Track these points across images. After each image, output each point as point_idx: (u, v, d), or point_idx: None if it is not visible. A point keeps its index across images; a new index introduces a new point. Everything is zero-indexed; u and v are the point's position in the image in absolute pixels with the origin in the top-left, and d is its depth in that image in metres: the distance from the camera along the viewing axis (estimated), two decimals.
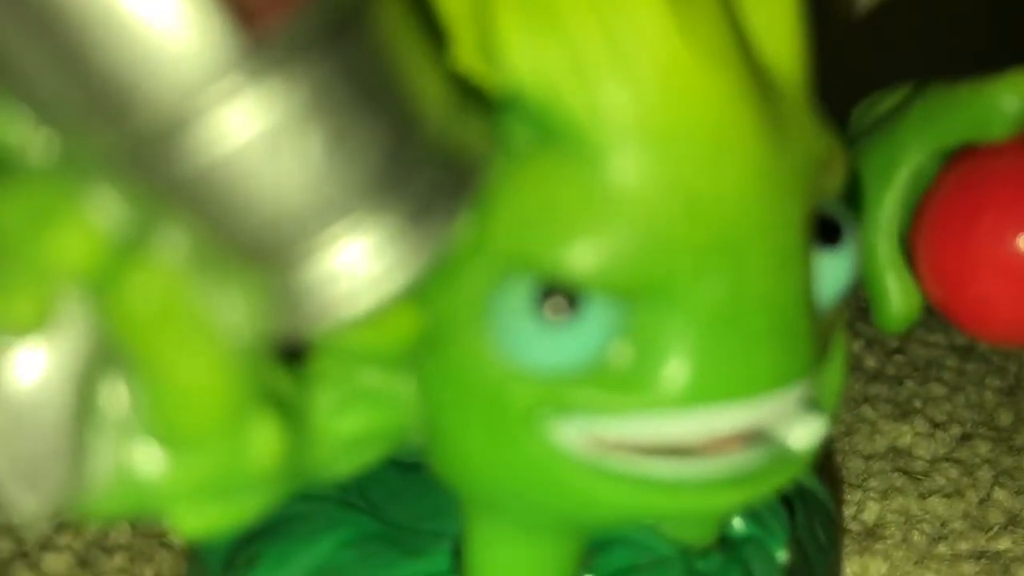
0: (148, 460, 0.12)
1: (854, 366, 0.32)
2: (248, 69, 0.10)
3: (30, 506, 0.12)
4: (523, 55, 0.13)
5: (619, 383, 0.14)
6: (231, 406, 0.12)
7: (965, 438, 0.29)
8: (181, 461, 0.12)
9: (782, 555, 0.19)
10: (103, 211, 0.11)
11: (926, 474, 0.28)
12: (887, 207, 0.18)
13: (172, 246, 0.11)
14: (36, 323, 0.11)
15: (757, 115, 0.13)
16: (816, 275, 0.15)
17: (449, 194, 0.12)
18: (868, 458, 0.28)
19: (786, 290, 0.14)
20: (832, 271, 0.15)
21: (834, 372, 0.16)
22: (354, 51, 0.11)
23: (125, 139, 0.10)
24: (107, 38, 0.09)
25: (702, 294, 0.13)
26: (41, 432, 0.11)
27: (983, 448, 0.29)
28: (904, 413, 0.30)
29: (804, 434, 0.15)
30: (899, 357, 0.32)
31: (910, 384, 0.31)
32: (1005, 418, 0.30)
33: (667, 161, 0.13)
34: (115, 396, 0.12)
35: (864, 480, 0.27)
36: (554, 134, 0.13)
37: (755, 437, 0.15)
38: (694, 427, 0.14)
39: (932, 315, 0.19)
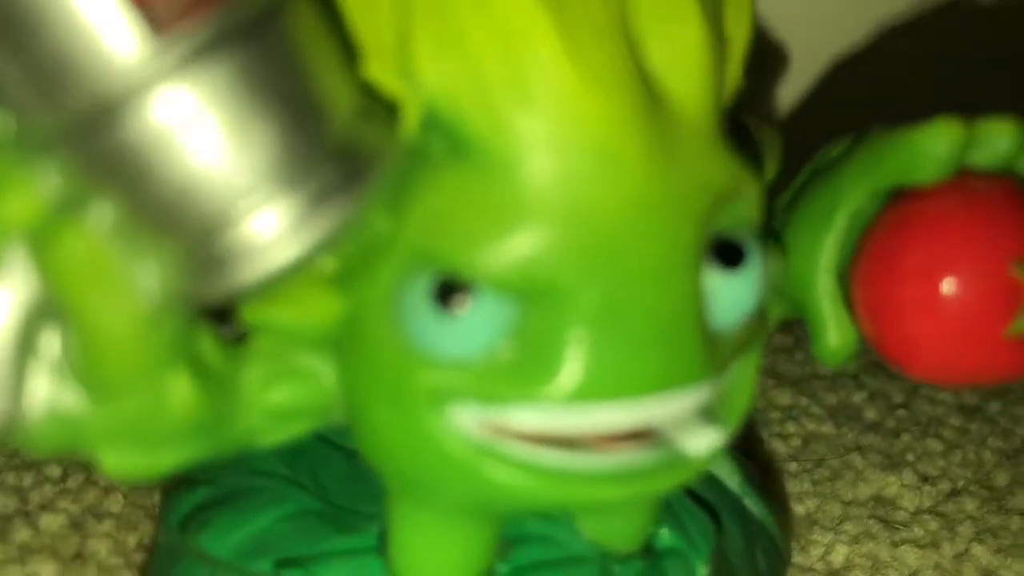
0: (76, 402, 0.14)
1: (851, 416, 0.32)
2: (156, 67, 0.12)
3: None
4: (435, 77, 0.14)
5: (510, 376, 0.15)
6: (146, 359, 0.14)
7: (954, 493, 0.29)
8: (102, 405, 0.14)
9: (703, 570, 0.20)
10: (43, 181, 0.13)
11: (905, 524, 0.28)
12: (826, 246, 0.19)
13: (99, 214, 0.13)
14: None
15: (643, 138, 0.15)
16: (714, 294, 0.16)
17: (347, 185, 0.13)
18: (847, 504, 0.28)
19: (669, 301, 0.15)
20: (733, 292, 0.16)
21: (740, 390, 0.17)
22: (257, 55, 0.12)
23: (57, 122, 0.12)
24: (36, 36, 0.11)
25: (586, 299, 0.15)
26: None
27: (970, 505, 0.29)
28: (894, 464, 0.30)
29: (698, 442, 0.16)
30: (901, 411, 0.32)
31: (906, 438, 0.31)
32: (1001, 479, 0.30)
33: (556, 176, 0.14)
34: (52, 343, 0.14)
35: (838, 524, 0.27)
36: (461, 147, 0.15)
37: (649, 439, 0.16)
38: (578, 421, 0.15)
39: None
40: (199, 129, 0.12)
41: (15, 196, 0.13)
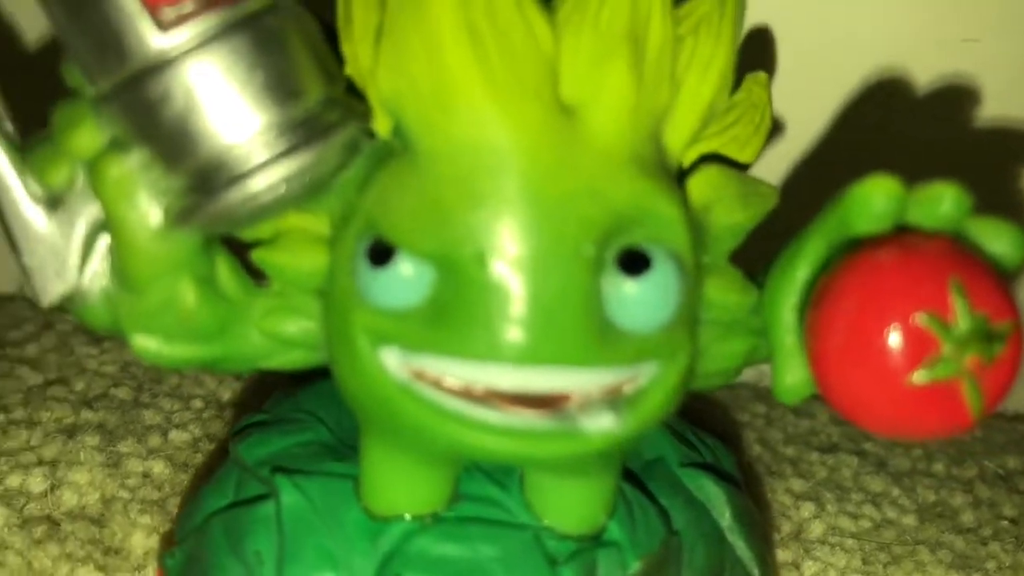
0: (115, 291, 0.19)
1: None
2: (165, 51, 0.17)
3: (55, 291, 0.19)
4: (388, 89, 0.19)
5: (424, 329, 0.19)
6: (158, 264, 0.19)
7: None
8: (129, 296, 0.19)
9: (635, 567, 0.21)
10: (101, 125, 0.18)
11: None
12: (787, 291, 0.21)
13: (130, 154, 0.18)
14: (67, 180, 0.19)
15: (540, 149, 0.18)
16: (617, 296, 0.19)
17: (305, 146, 0.18)
18: None
19: (557, 288, 0.18)
20: (636, 297, 0.19)
21: (655, 391, 0.19)
22: (245, 47, 0.17)
23: (107, 84, 0.18)
24: (91, 24, 0.17)
25: (483, 274, 0.18)
26: (66, 247, 0.19)
27: None
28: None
29: (593, 422, 0.19)
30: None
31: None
32: None
33: (462, 170, 0.18)
34: (104, 243, 0.19)
35: None
36: (404, 143, 0.19)
37: (552, 409, 0.19)
38: (473, 376, 0.18)
39: None
40: (201, 93, 0.17)
41: (83, 133, 0.18)
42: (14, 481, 0.27)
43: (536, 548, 0.21)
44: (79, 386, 0.31)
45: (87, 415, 0.30)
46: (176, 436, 0.29)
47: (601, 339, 0.19)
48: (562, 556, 0.21)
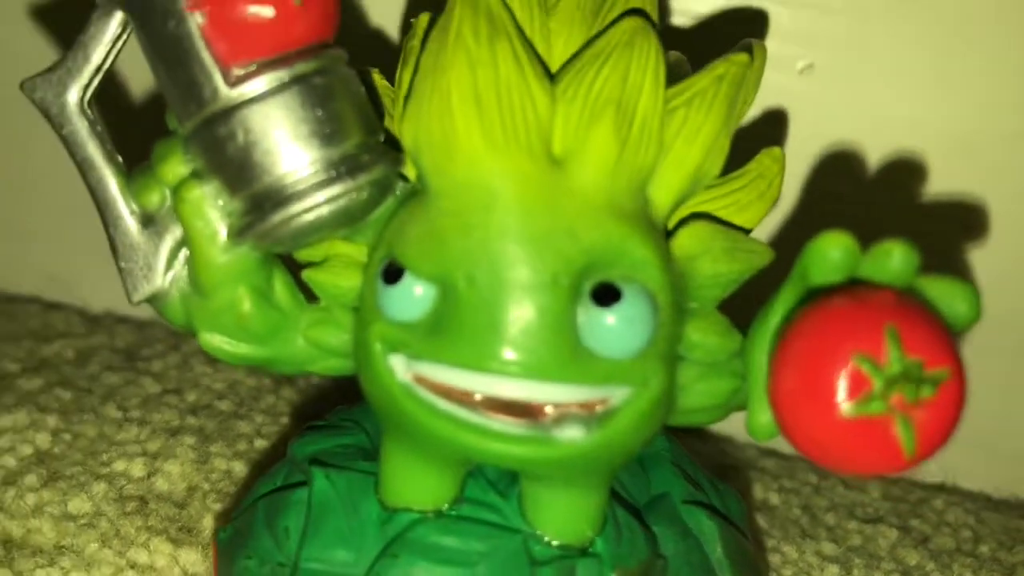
0: (189, 294, 0.24)
1: None
2: (231, 100, 0.21)
3: (143, 291, 0.24)
4: (410, 138, 0.22)
5: (424, 340, 0.22)
6: (221, 273, 0.23)
7: None
8: (198, 298, 0.24)
9: None
10: (183, 159, 0.23)
11: None
12: (762, 338, 0.23)
13: (204, 183, 0.22)
14: (159, 202, 0.23)
15: (526, 192, 0.21)
16: (590, 324, 0.21)
17: (341, 182, 0.22)
18: None
19: (537, 311, 0.21)
20: (608, 325, 0.21)
21: (626, 412, 0.22)
22: (296, 99, 0.21)
23: (185, 128, 0.22)
24: (176, 79, 0.22)
25: (472, 296, 0.21)
26: (154, 256, 0.24)
27: None
28: None
29: (563, 432, 0.22)
30: None
31: None
32: None
33: (460, 207, 0.22)
34: (184, 256, 0.24)
35: None
36: (421, 183, 0.22)
37: (531, 419, 0.22)
38: (462, 382, 0.22)
39: None
40: (257, 135, 0.22)
41: (172, 164, 0.23)
42: (119, 466, 0.31)
43: (522, 550, 0.24)
44: (190, 397, 0.36)
45: (190, 420, 0.34)
46: (260, 444, 0.33)
47: (574, 359, 0.21)
48: (544, 560, 0.24)
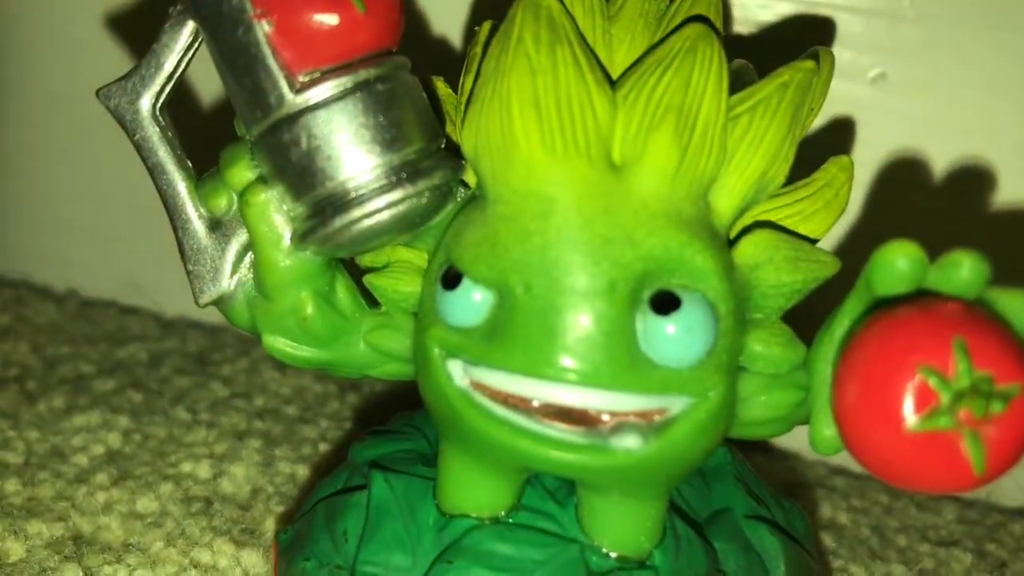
0: (254, 297, 0.24)
1: None
2: (297, 106, 0.22)
3: (209, 293, 0.24)
4: (469, 145, 0.22)
5: (482, 345, 0.22)
6: (285, 276, 0.23)
7: None
8: (263, 301, 0.24)
9: None
10: (250, 164, 0.23)
11: None
12: (826, 349, 0.22)
13: (270, 187, 0.23)
14: (227, 206, 0.24)
15: (583, 199, 0.21)
16: (649, 332, 0.21)
17: (403, 187, 0.22)
18: None
19: (595, 318, 0.21)
20: (667, 334, 0.21)
21: (684, 422, 0.22)
22: (360, 105, 0.22)
23: (255, 130, 0.22)
24: (245, 87, 0.22)
25: (529, 302, 0.21)
26: (221, 259, 0.24)
27: None
28: None
29: (620, 440, 0.22)
30: None
31: None
32: None
33: (517, 213, 0.21)
34: (249, 260, 0.24)
35: None
36: (479, 189, 0.22)
37: (589, 427, 0.21)
38: (519, 389, 0.21)
39: None
40: (320, 140, 0.22)
41: (239, 169, 0.23)
42: (186, 467, 0.32)
43: (579, 560, 0.24)
44: (258, 401, 0.37)
45: (257, 424, 0.35)
46: (324, 448, 0.34)
47: (632, 367, 0.21)
48: (600, 571, 0.23)
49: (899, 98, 0.35)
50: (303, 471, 0.33)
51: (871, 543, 0.33)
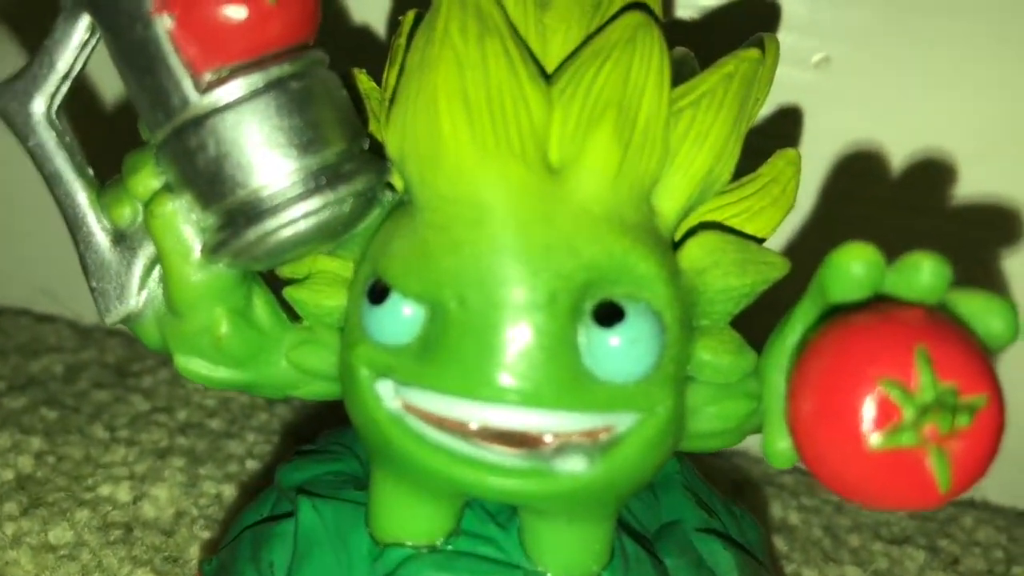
0: (164, 315, 0.22)
1: None
2: (203, 107, 0.20)
3: (116, 312, 0.22)
4: (395, 143, 0.21)
5: (413, 364, 0.20)
6: (196, 292, 0.21)
7: None
8: (173, 319, 0.22)
9: None
10: (155, 171, 0.21)
11: None
12: (778, 357, 0.21)
13: (177, 196, 0.21)
14: (132, 217, 0.22)
15: (518, 204, 0.19)
16: (592, 345, 0.20)
17: (321, 193, 0.20)
18: None
19: (534, 333, 0.19)
20: (613, 347, 0.20)
21: (631, 441, 0.20)
22: (270, 106, 0.20)
23: (156, 138, 0.21)
24: (147, 86, 0.20)
25: (463, 316, 0.20)
26: (127, 274, 0.22)
27: None
28: None
29: (565, 463, 0.20)
30: None
31: None
32: None
33: (448, 220, 0.20)
34: (158, 274, 0.22)
35: None
36: (406, 193, 0.21)
37: (531, 449, 0.20)
38: (453, 412, 0.20)
39: None
40: (230, 144, 0.20)
41: (143, 177, 0.21)
42: (105, 490, 0.30)
43: None
44: (181, 415, 0.35)
45: (180, 440, 0.33)
46: (251, 465, 0.32)
47: (575, 384, 0.20)
48: None
49: (844, 84, 0.34)
50: (229, 491, 0.31)
51: (823, 544, 0.32)
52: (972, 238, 0.34)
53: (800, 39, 0.33)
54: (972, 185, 0.34)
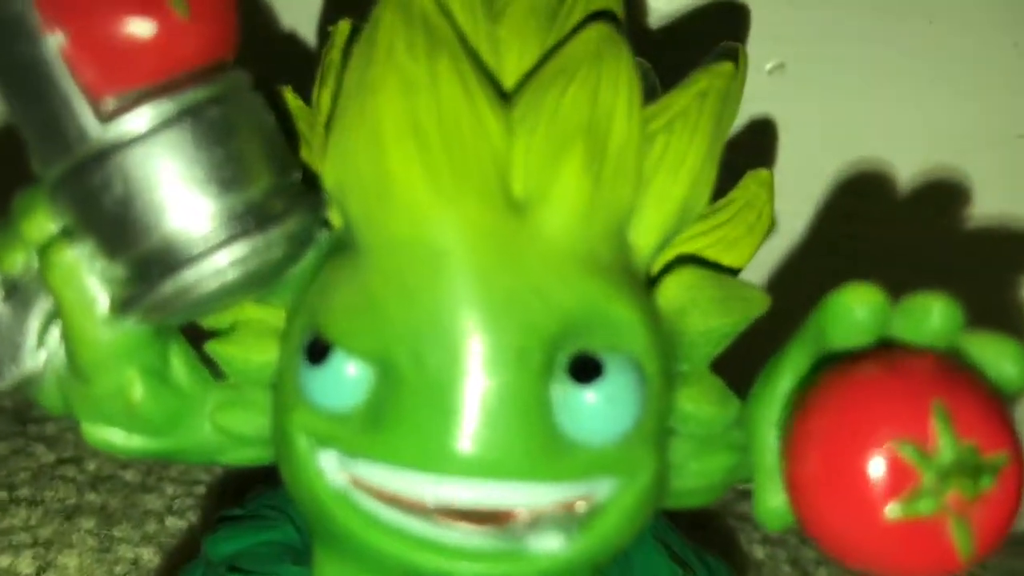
0: (68, 378, 0.19)
1: None
2: (104, 143, 0.17)
3: (10, 375, 0.19)
4: (333, 176, 0.18)
5: (361, 433, 0.18)
6: (104, 353, 0.18)
7: None
8: (78, 383, 0.19)
9: None
10: (51, 215, 0.18)
11: None
12: (768, 407, 0.19)
13: (78, 243, 0.18)
14: (23, 266, 0.19)
15: (480, 247, 0.17)
16: (567, 405, 0.17)
17: (248, 236, 0.17)
18: None
19: (499, 395, 0.17)
20: (588, 406, 0.17)
21: (613, 510, 0.18)
22: (181, 138, 0.17)
23: (50, 175, 0.17)
24: (35, 118, 0.17)
25: (418, 378, 0.17)
26: (20, 332, 0.19)
27: None
28: None
29: (540, 542, 0.18)
30: None
31: None
32: None
33: (399, 267, 0.17)
34: (59, 331, 0.19)
35: None
36: (348, 235, 0.18)
37: (497, 526, 0.17)
38: (410, 487, 0.17)
39: None
40: (139, 183, 0.17)
41: (36, 220, 0.18)
42: (4, 561, 0.27)
43: None
44: (90, 466, 0.31)
45: (90, 497, 0.30)
46: (172, 523, 0.29)
47: (549, 451, 0.17)
48: None
49: (798, 90, 0.32)
50: (148, 554, 0.28)
51: None
52: (919, 245, 0.33)
53: (752, 45, 0.32)
54: (921, 191, 0.33)
